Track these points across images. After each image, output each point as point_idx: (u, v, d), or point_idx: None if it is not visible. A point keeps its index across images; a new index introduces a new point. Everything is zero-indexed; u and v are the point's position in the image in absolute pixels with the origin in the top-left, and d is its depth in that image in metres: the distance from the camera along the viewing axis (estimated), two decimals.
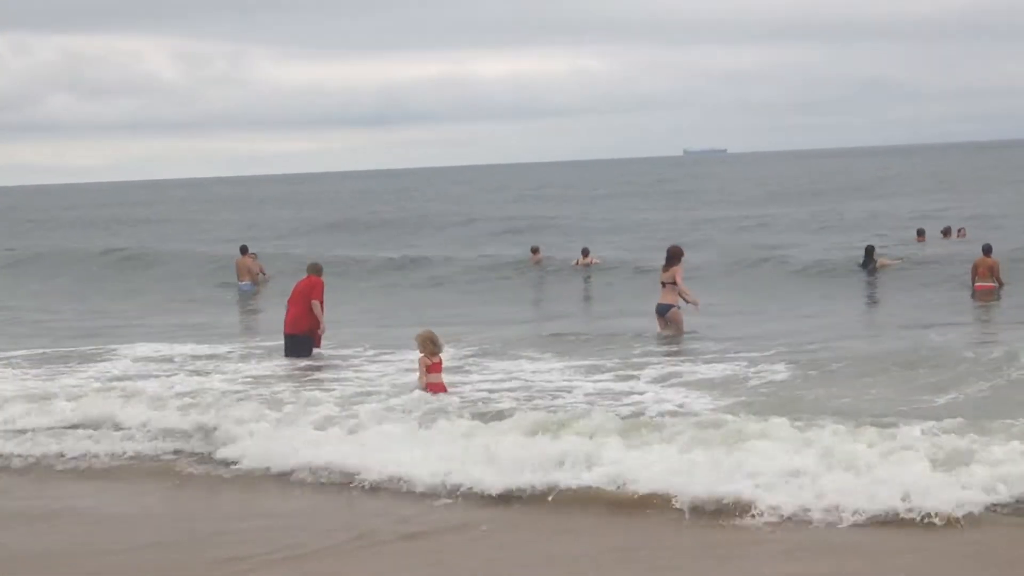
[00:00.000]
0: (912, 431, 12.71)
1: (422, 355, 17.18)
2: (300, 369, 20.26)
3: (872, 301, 29.62)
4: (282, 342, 21.75)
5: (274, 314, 25.18)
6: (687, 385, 17.39)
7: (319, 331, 21.50)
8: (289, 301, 21.84)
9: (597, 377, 18.39)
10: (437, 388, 17.03)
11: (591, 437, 13.26)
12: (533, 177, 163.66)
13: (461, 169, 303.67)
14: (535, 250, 38.46)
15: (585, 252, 36.76)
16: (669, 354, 20.45)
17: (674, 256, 22.11)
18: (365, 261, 41.37)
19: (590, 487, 12.18)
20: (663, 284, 22.27)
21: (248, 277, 36.16)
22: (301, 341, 21.40)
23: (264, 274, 37.24)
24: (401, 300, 32.47)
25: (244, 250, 37.33)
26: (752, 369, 18.43)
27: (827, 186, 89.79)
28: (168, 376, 19.42)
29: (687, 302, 22.16)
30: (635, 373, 18.44)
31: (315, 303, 21.38)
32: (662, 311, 22.24)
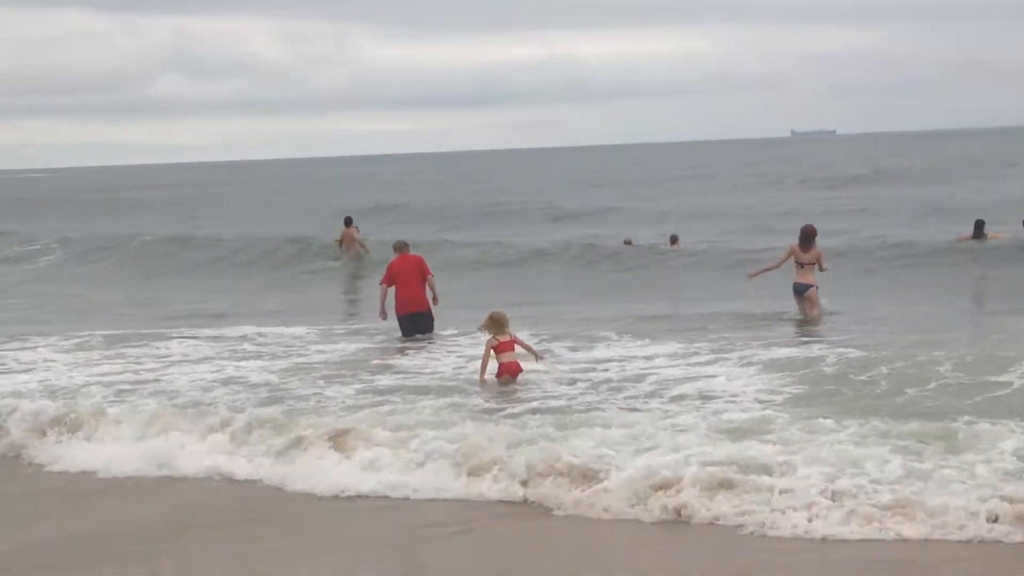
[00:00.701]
0: None
1: (488, 337, 16.70)
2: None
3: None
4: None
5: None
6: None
7: (435, 304, 21.54)
8: (398, 281, 21.33)
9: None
10: (510, 367, 16.56)
11: None
12: (634, 159, 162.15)
13: (560, 151, 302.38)
14: (627, 242, 37.69)
15: (674, 239, 36.00)
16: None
17: (811, 235, 22.03)
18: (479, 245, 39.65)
19: None
20: (800, 264, 21.99)
21: (352, 248, 37.69)
22: (425, 318, 21.37)
23: (364, 247, 37.87)
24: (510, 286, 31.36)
25: (348, 221, 38.88)
26: None
27: (951, 167, 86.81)
28: None
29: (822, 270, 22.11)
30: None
31: (430, 278, 21.45)
32: (801, 291, 22.03)
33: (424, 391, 16.12)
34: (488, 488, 11.92)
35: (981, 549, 9.87)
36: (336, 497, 12.27)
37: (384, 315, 21.41)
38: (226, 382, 17.52)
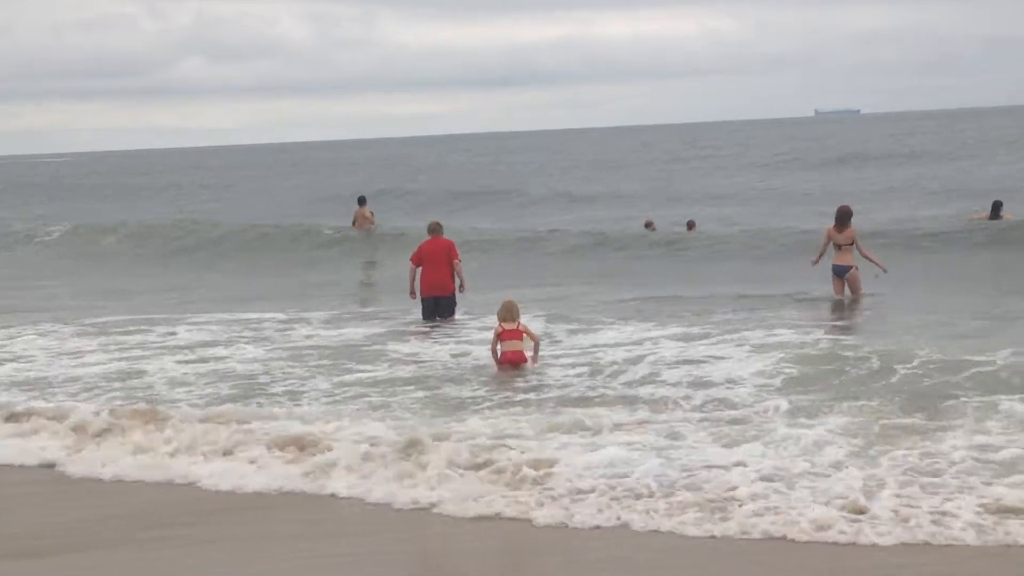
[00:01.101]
0: None
1: (496, 325, 16.82)
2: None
3: None
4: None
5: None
6: None
7: (462, 290, 21.65)
8: (425, 263, 21.54)
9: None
10: (512, 357, 16.57)
11: None
12: (656, 139, 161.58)
13: (585, 131, 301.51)
14: (648, 223, 37.48)
15: (691, 224, 35.94)
16: None
17: (846, 215, 22.15)
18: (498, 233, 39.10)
19: None
20: (838, 246, 22.14)
21: (364, 225, 39.23)
22: (448, 302, 21.54)
23: (371, 221, 39.64)
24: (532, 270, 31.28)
25: (362, 201, 40.52)
26: None
27: (977, 145, 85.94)
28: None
29: (874, 263, 22.25)
30: None
31: (457, 263, 21.55)
32: (841, 272, 22.23)
33: (410, 382, 16.14)
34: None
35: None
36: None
37: (414, 294, 21.70)
38: (204, 374, 17.37)
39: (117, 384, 16.68)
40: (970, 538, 9.51)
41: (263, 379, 16.80)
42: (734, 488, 10.53)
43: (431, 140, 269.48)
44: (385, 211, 46.92)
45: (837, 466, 11.09)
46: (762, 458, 11.43)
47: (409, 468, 11.74)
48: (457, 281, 21.60)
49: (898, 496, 10.23)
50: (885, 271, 22.37)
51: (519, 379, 16.00)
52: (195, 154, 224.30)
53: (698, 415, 13.61)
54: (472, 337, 19.32)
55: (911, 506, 10.03)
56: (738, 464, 11.21)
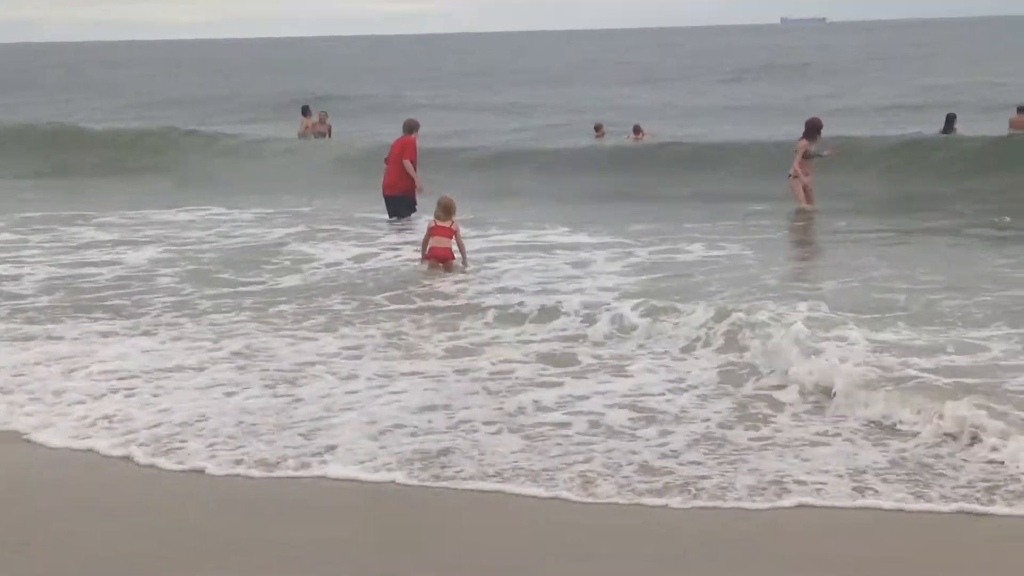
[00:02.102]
0: None
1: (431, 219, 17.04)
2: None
3: None
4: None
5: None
6: None
7: (417, 190, 21.48)
8: (386, 161, 21.91)
9: None
10: (438, 252, 16.65)
11: None
12: (614, 45, 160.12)
13: (550, 34, 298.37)
14: (598, 127, 36.79)
15: (637, 129, 35.01)
16: None
17: (816, 128, 22.16)
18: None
19: None
20: (808, 157, 22.05)
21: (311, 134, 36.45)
22: (399, 201, 21.56)
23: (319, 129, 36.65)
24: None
25: (306, 111, 37.72)
26: None
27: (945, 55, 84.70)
28: None
29: (836, 152, 22.84)
30: None
31: (407, 163, 21.37)
32: (805, 180, 22.13)
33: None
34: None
35: None
36: None
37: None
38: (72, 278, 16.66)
39: None
40: None
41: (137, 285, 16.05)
42: None
43: (401, 39, 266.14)
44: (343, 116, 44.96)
45: None
46: None
47: None
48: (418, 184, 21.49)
49: None
50: (839, 153, 22.78)
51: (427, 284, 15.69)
52: (148, 48, 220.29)
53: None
54: (390, 240, 19.03)
55: None
56: None
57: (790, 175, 22.09)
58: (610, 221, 20.90)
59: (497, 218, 21.17)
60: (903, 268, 15.58)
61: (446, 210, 16.71)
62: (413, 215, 21.38)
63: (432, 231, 16.71)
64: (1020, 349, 11.25)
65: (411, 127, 21.92)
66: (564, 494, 8.22)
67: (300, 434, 9.61)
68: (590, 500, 8.13)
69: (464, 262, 16.66)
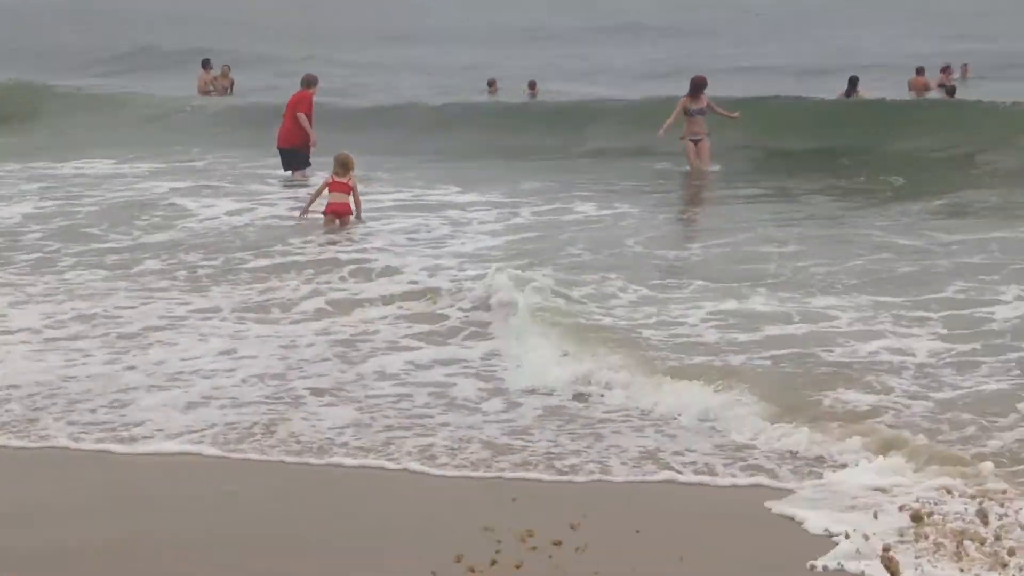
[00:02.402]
0: None
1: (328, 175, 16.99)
2: None
3: None
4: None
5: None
6: None
7: (311, 144, 21.13)
8: (284, 115, 21.58)
9: None
10: (335, 208, 16.59)
11: None
12: None
13: None
14: (491, 83, 36.29)
15: (532, 84, 34.67)
16: None
17: (701, 85, 22.00)
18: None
19: None
20: (691, 114, 21.77)
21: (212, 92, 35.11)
22: (292, 154, 21.26)
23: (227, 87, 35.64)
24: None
25: (206, 64, 36.03)
26: None
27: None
28: None
29: (730, 117, 22.37)
30: None
31: (301, 116, 21.09)
32: (696, 140, 21.89)
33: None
34: None
35: None
36: None
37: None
38: None
39: None
40: None
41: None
42: None
43: None
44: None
45: None
46: None
47: None
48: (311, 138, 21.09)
49: None
50: (736, 116, 22.47)
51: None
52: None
53: None
54: (275, 196, 18.62)
55: None
56: None
57: (660, 132, 21.62)
58: (504, 180, 20.59)
59: (386, 175, 20.89)
60: (779, 232, 15.37)
61: (343, 166, 16.74)
62: (308, 170, 21.09)
63: (329, 186, 16.71)
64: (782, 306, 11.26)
65: (309, 82, 21.65)
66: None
67: (104, 405, 9.12)
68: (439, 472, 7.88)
69: (359, 217, 16.66)
